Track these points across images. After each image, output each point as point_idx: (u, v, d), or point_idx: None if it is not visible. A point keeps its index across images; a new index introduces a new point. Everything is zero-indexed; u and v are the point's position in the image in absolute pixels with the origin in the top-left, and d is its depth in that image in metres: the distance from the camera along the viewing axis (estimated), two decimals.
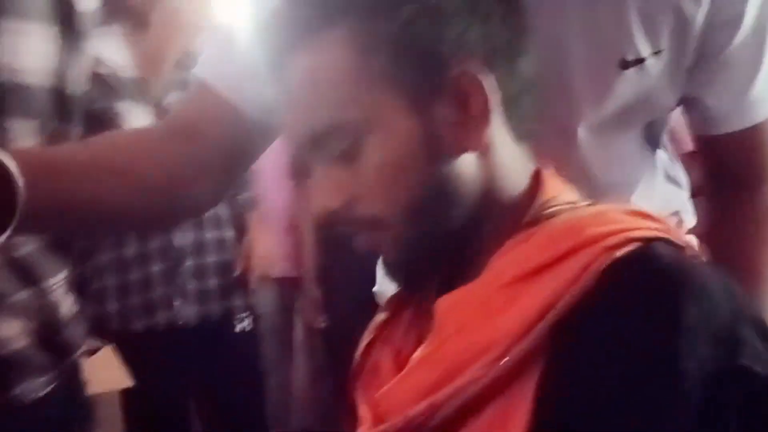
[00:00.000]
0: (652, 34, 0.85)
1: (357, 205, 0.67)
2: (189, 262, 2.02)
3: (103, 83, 1.83)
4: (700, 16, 0.85)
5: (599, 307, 0.57)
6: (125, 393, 1.67)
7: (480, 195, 0.67)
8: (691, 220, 1.12)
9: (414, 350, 0.67)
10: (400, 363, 0.69)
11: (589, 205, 0.69)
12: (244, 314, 2.15)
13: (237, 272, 2.13)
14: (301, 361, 2.66)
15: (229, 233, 2.13)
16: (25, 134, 0.98)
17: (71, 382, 1.16)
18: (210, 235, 2.07)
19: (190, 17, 1.88)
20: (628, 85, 0.87)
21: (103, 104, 1.82)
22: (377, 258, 0.73)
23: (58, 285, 1.09)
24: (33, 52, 0.98)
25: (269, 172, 2.39)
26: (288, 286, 2.53)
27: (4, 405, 1.01)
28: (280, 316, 2.60)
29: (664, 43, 0.86)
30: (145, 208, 0.86)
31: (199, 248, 2.05)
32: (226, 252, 2.11)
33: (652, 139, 1.05)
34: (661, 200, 1.08)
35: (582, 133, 0.92)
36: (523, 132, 0.70)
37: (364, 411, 0.69)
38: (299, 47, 0.65)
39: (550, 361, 0.58)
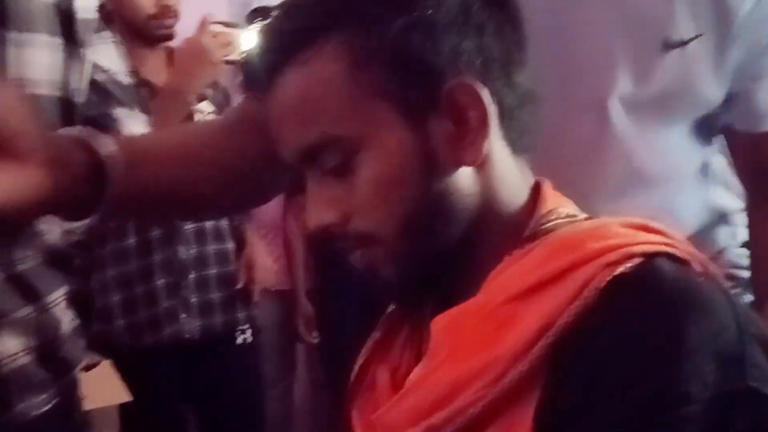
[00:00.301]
0: (694, 17, 0.85)
1: (351, 220, 0.65)
2: (192, 275, 2.02)
3: (100, 90, 1.83)
4: (745, 6, 0.85)
5: (599, 326, 0.56)
6: (123, 408, 1.65)
7: (478, 210, 0.65)
8: (742, 230, 1.09)
9: (411, 369, 0.65)
10: (397, 382, 0.68)
11: (588, 218, 0.67)
12: (245, 326, 2.14)
13: (238, 285, 2.12)
14: (301, 375, 2.64)
15: (230, 245, 2.12)
16: None
17: (69, 397, 1.15)
18: (212, 247, 2.06)
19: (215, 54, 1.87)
20: (669, 68, 0.87)
21: (100, 110, 1.82)
22: (372, 274, 0.71)
23: (58, 301, 1.08)
24: (42, 64, 1.00)
25: None
26: (286, 299, 2.52)
27: (4, 423, 1.01)
28: (280, 329, 2.58)
29: (705, 27, 0.86)
30: (227, 194, 0.90)
31: (202, 261, 2.04)
32: (227, 264, 2.10)
33: (702, 139, 1.02)
34: (708, 204, 1.06)
35: (616, 110, 0.91)
36: (521, 145, 0.68)
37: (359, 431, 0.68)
38: (290, 61, 0.64)
39: (550, 381, 0.56)
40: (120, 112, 1.87)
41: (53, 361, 1.08)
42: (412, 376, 0.63)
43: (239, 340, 2.12)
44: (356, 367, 0.74)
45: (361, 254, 0.67)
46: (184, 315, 2.00)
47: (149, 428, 1.92)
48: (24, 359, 1.03)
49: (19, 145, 0.65)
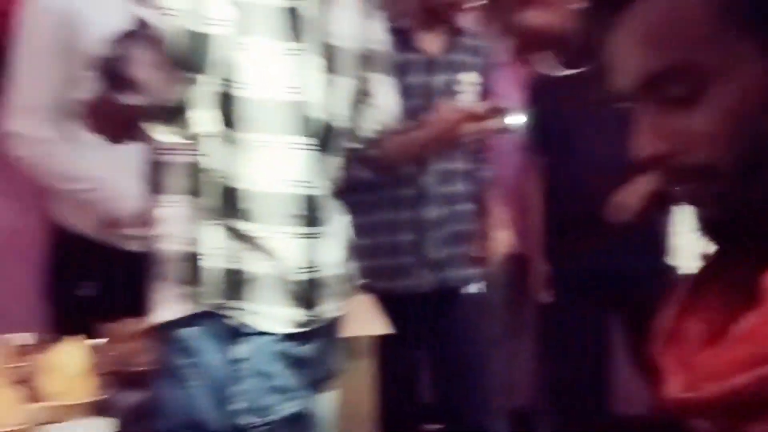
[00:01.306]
0: None
1: (687, 152, 0.63)
2: (433, 233, 2.15)
3: None
4: None
5: None
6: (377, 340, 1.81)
7: None
8: None
9: (729, 320, 0.63)
10: (714, 333, 0.66)
11: None
12: (477, 283, 2.26)
13: (474, 245, 2.24)
14: (525, 339, 2.67)
15: (469, 207, 2.24)
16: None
17: (341, 317, 1.36)
18: (455, 208, 2.19)
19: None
20: None
21: None
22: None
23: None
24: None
25: (500, 148, 2.44)
26: (520, 259, 2.54)
27: (308, 320, 1.24)
28: (510, 292, 2.66)
29: None
30: None
31: (445, 220, 2.17)
32: (466, 224, 2.22)
33: None
34: None
35: None
36: None
37: (673, 377, 0.67)
38: None
39: None
40: None
41: (345, 278, 1.34)
42: (740, 326, 0.61)
43: (470, 294, 2.24)
44: (667, 314, 0.73)
45: (690, 189, 0.65)
46: (420, 269, 2.15)
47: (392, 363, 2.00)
48: (336, 270, 1.28)
49: None
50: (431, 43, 2.14)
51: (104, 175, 1.83)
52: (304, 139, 1.22)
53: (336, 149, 1.30)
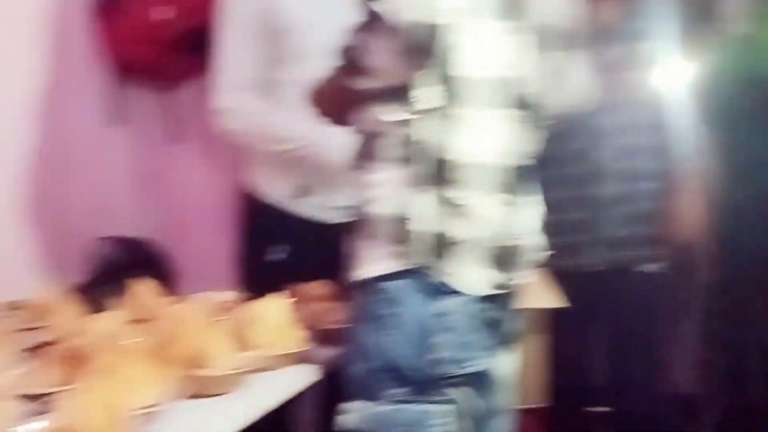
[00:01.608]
0: None
1: None
2: (609, 211, 2.14)
3: None
4: None
5: None
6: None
7: None
8: None
9: None
10: None
11: None
12: (655, 262, 2.23)
13: (656, 227, 2.21)
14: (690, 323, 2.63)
15: (651, 185, 2.19)
16: None
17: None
18: (637, 185, 2.16)
19: None
20: None
21: None
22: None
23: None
24: None
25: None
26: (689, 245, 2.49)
27: (502, 284, 1.33)
28: (681, 274, 2.60)
29: None
30: None
31: (624, 199, 2.14)
32: (645, 203, 2.18)
33: None
34: None
35: None
36: None
37: None
38: None
39: None
40: None
41: (537, 248, 1.41)
42: None
43: (646, 273, 2.22)
44: None
45: None
46: (593, 248, 2.15)
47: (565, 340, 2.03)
48: (531, 239, 1.36)
49: None
50: (606, 10, 2.12)
51: (313, 133, 1.92)
52: (514, 113, 1.29)
53: (538, 123, 1.35)
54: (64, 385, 1.18)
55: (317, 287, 1.85)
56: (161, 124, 2.35)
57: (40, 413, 1.07)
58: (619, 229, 2.15)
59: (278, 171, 2.06)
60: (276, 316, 1.51)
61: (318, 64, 1.91)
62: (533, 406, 1.94)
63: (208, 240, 2.39)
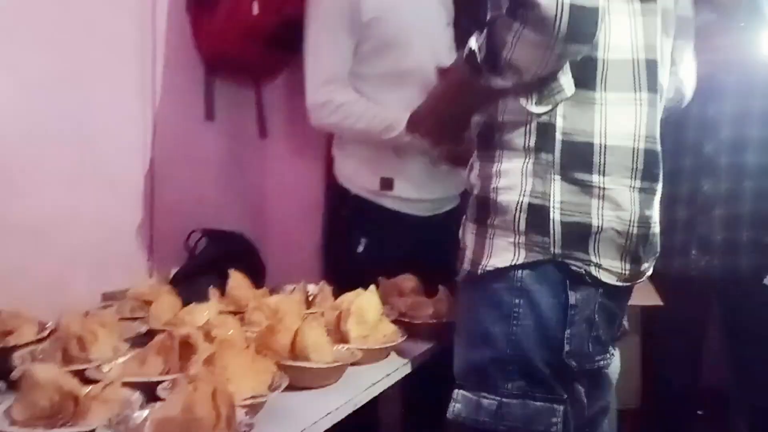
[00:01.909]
0: None
1: None
2: (718, 211, 2.01)
3: None
4: None
5: None
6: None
7: None
8: None
9: None
10: None
11: None
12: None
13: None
14: None
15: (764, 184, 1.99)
16: None
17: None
18: (748, 184, 2.00)
19: None
20: None
21: None
22: None
23: None
24: None
25: None
26: None
27: (632, 275, 1.31)
28: None
29: None
30: None
31: (732, 197, 2.01)
32: (756, 203, 2.00)
33: None
34: None
35: None
36: None
37: None
38: None
39: None
40: None
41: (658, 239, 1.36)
42: None
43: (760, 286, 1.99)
44: None
45: None
46: (695, 252, 2.01)
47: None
48: (658, 228, 1.34)
49: None
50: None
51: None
52: (649, 96, 1.26)
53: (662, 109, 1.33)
54: (169, 374, 1.21)
55: (404, 281, 1.85)
56: (250, 119, 2.39)
57: (147, 401, 1.10)
58: (723, 231, 1.99)
59: (364, 164, 2.07)
60: (368, 309, 1.52)
61: (408, 55, 1.94)
62: (627, 407, 1.88)
63: (295, 233, 2.41)
